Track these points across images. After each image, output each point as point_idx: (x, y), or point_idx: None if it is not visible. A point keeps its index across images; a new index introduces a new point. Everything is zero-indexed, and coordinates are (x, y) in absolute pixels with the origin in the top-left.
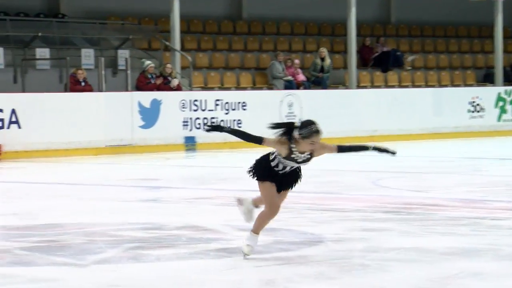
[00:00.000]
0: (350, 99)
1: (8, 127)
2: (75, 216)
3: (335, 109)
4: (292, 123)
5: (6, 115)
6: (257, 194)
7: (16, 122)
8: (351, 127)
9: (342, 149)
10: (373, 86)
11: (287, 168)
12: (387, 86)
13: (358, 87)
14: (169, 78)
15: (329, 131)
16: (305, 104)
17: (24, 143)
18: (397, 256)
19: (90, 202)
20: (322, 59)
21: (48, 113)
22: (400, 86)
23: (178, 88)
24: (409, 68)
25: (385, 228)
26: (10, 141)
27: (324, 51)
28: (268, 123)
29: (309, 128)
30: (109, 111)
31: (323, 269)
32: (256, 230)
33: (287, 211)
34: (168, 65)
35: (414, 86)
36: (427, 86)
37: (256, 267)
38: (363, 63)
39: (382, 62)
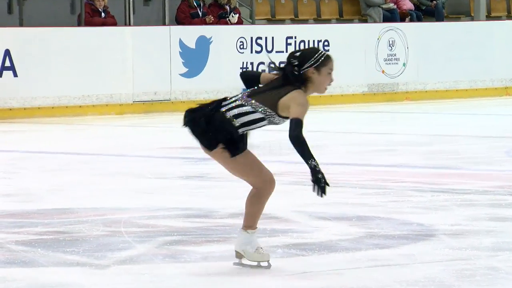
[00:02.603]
0: (477, 36)
1: (0, 75)
2: (92, 198)
3: (455, 50)
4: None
5: None
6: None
7: (11, 67)
8: (478, 75)
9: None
10: (509, 17)
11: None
12: None
13: (489, 18)
14: (227, 7)
15: (446, 80)
16: (412, 42)
17: (22, 97)
18: None
19: (112, 179)
20: None
21: (55, 55)
22: None
23: (237, 22)
24: None
25: None
26: (2, 94)
27: None
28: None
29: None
30: (138, 52)
31: (435, 273)
32: (253, 224)
33: (383, 193)
34: None
35: None
36: None
37: (341, 269)
38: None
39: None
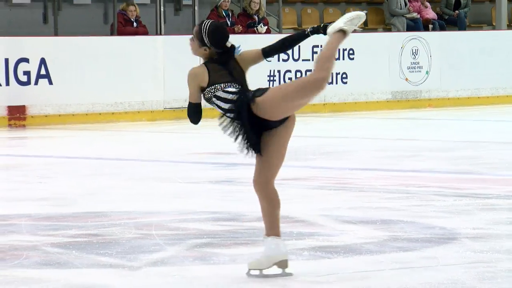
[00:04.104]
0: (499, 44)
1: (36, 83)
2: (124, 202)
3: (477, 58)
4: None
5: (33, 67)
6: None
7: (47, 76)
8: (501, 82)
9: (267, 51)
10: None
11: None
12: None
13: (510, 27)
14: (255, 17)
15: (468, 88)
16: (435, 51)
17: (57, 104)
18: None
19: (144, 184)
20: None
21: (89, 63)
22: None
23: (266, 31)
24: None
25: None
26: (38, 101)
27: None
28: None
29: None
30: (169, 61)
31: (457, 275)
32: (276, 231)
33: (407, 197)
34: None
35: None
36: None
37: (365, 272)
38: None
39: None
